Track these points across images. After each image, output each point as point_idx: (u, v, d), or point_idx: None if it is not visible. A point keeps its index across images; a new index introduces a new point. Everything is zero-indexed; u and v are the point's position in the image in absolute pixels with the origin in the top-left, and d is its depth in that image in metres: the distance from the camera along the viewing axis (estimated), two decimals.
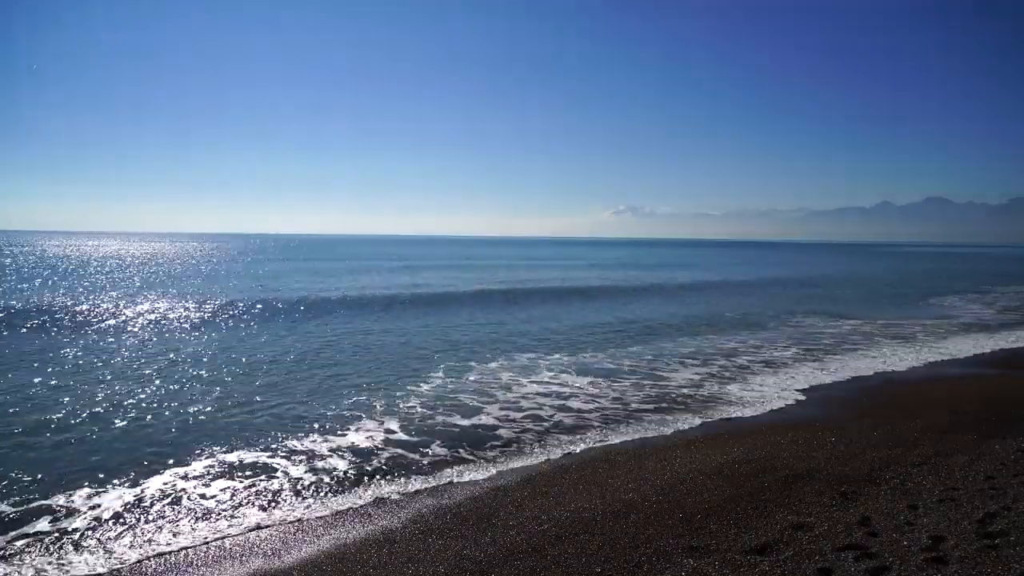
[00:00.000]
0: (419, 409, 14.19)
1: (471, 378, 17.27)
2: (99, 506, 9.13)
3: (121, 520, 8.72)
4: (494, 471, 10.65)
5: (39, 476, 10.13)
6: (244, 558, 7.76)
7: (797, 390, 16.06)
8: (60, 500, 9.29)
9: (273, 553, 7.86)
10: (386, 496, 9.59)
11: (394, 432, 12.62)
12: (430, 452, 11.58)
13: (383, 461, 11.10)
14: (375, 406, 14.37)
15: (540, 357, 20.26)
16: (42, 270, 58.54)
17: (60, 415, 13.29)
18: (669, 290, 45.76)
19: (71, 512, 8.92)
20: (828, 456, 10.51)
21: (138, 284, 44.45)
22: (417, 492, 9.75)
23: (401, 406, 14.41)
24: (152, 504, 9.23)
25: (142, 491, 9.68)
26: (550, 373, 17.94)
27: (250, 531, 8.46)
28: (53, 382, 15.97)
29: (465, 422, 13.34)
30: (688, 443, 11.86)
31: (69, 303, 32.33)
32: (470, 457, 11.34)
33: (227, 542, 8.17)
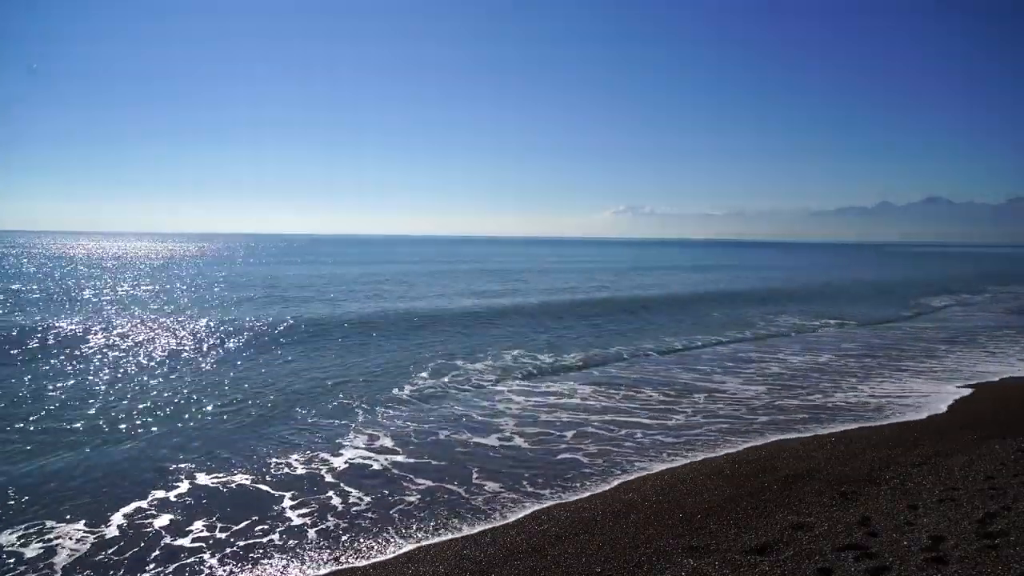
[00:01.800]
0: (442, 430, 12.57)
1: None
2: (53, 550, 7.79)
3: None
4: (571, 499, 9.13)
5: None
6: None
7: (962, 385, 16.18)
8: (8, 539, 8.04)
9: None
10: (417, 551, 7.66)
11: (398, 454, 11.16)
12: (475, 483, 9.89)
13: (398, 495, 9.44)
14: (376, 424, 12.91)
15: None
16: (24, 275, 56.71)
17: (17, 435, 12.03)
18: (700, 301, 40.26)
19: (15, 560, 7.57)
20: (828, 456, 10.51)
21: (117, 293, 43.84)
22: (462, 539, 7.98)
23: (415, 426, 12.84)
24: (112, 555, 7.68)
25: (103, 531, 8.30)
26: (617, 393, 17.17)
27: None
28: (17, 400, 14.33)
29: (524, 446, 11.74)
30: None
31: (42, 313, 31.83)
32: (541, 492, 9.51)
33: None
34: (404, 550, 7.78)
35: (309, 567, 7.43)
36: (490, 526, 8.41)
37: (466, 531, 8.28)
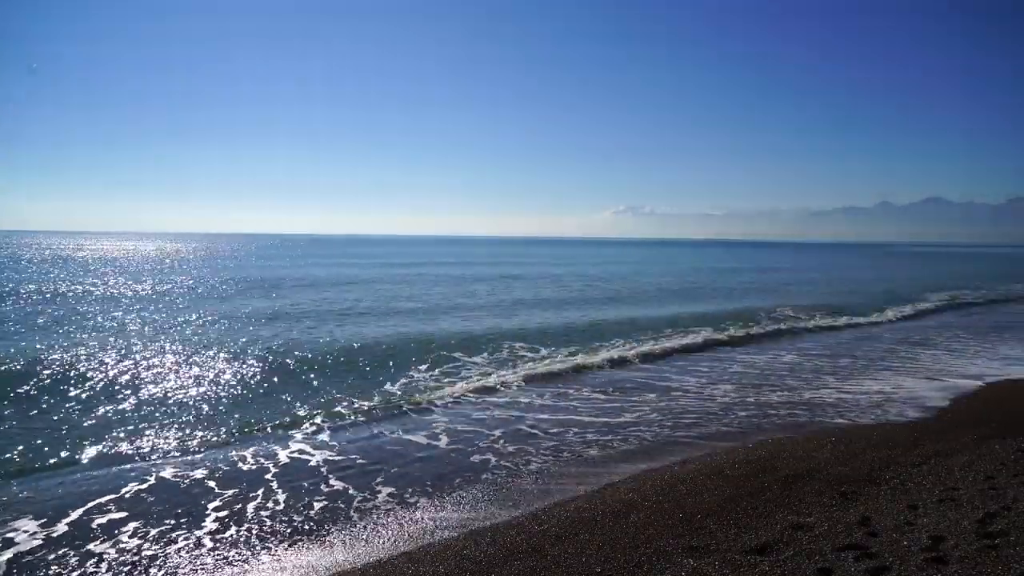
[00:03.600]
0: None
1: None
2: (11, 542, 7.96)
3: None
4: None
5: None
6: None
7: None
8: None
9: None
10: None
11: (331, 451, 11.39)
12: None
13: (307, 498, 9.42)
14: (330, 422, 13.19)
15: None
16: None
17: None
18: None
19: None
20: (828, 456, 10.51)
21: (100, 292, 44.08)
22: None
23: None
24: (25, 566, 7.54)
25: (53, 529, 8.37)
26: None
27: None
28: None
29: None
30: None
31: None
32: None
33: None
34: (403, 550, 7.78)
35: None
36: (490, 524, 8.43)
37: (465, 531, 8.29)
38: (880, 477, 9.33)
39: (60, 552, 7.83)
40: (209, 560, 7.64)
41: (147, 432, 12.40)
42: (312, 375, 17.46)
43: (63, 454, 11.26)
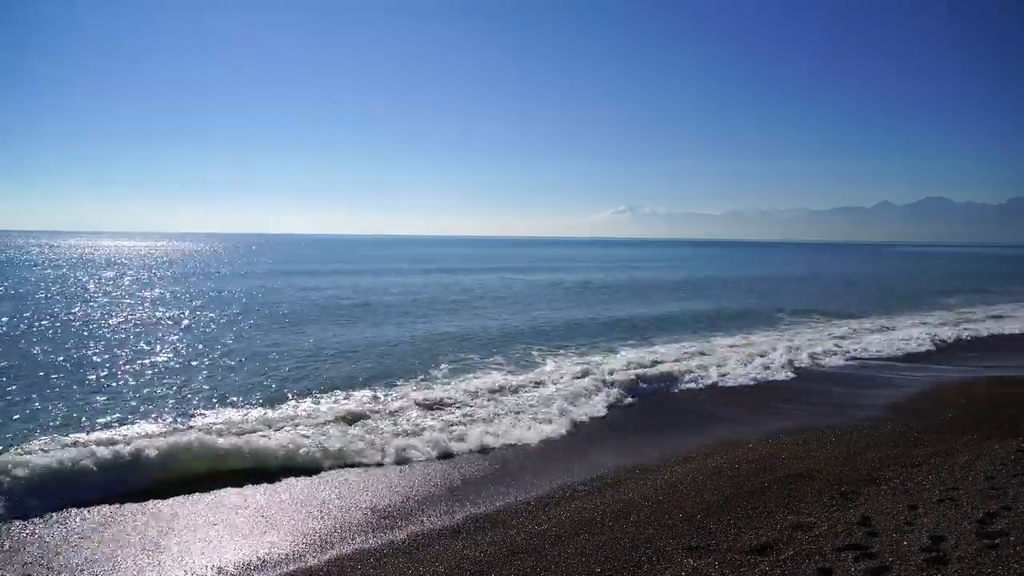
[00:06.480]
0: None
1: None
2: None
3: None
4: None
5: None
6: None
7: None
8: None
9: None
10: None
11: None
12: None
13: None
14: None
15: None
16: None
17: None
18: None
19: None
20: (828, 456, 10.51)
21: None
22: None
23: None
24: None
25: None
26: None
27: None
28: None
29: None
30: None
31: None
32: None
33: None
34: (404, 546, 7.79)
35: None
36: (489, 524, 8.42)
37: (464, 531, 8.28)
38: (880, 477, 9.32)
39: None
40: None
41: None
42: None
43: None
